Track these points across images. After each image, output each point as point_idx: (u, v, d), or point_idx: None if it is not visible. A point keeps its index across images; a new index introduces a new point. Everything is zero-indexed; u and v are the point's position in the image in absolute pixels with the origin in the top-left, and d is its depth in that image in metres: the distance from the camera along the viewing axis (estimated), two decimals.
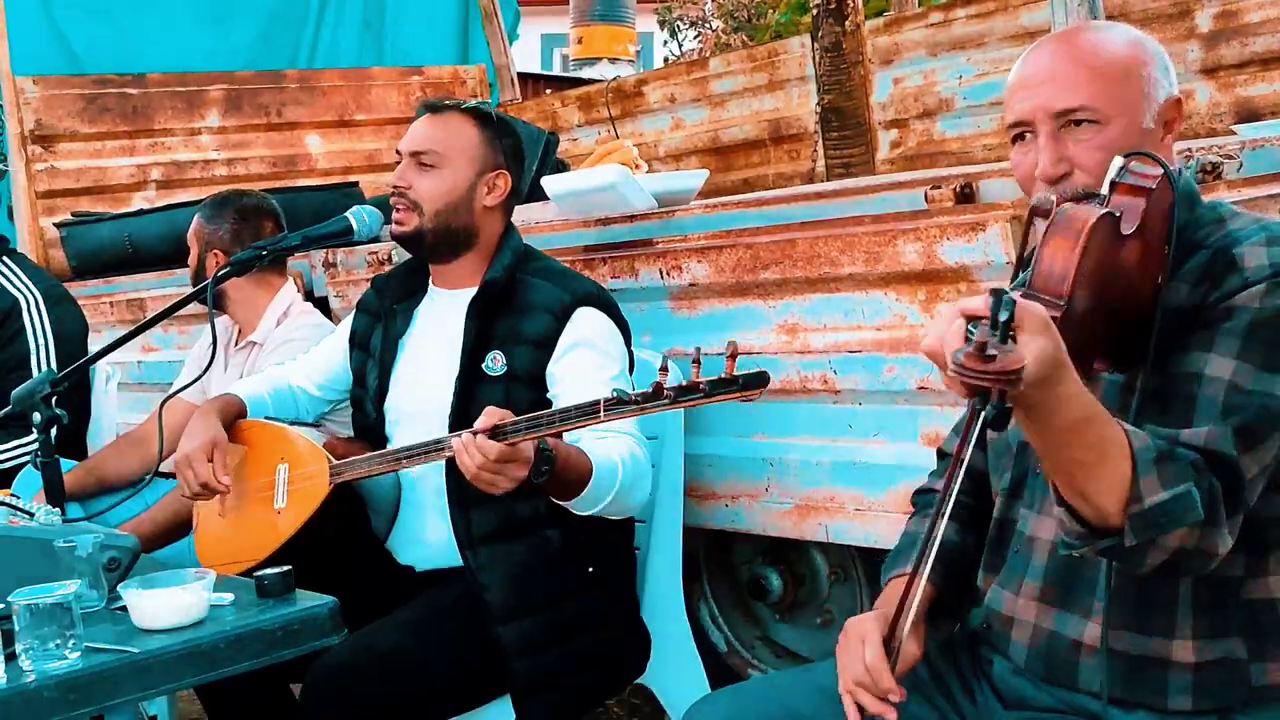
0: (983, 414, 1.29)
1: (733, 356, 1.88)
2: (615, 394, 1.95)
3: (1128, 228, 1.45)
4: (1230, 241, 1.56)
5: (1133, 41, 1.64)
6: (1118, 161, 1.51)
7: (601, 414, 1.98)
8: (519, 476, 2.02)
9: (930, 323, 1.35)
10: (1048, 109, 1.61)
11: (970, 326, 1.29)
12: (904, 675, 1.64)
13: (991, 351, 1.24)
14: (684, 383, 1.91)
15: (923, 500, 1.95)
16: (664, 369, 1.93)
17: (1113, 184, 1.49)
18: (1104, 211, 1.41)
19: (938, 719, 1.78)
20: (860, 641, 1.63)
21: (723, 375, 1.89)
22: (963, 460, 1.41)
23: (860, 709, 1.62)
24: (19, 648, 1.67)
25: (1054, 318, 1.34)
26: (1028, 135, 1.64)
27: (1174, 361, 1.53)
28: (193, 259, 3.22)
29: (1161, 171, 1.49)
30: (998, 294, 1.25)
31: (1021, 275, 1.50)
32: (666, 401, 1.91)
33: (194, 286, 3.01)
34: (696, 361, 1.89)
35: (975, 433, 1.35)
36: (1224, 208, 1.65)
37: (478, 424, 2.03)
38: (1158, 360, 1.54)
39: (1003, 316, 1.24)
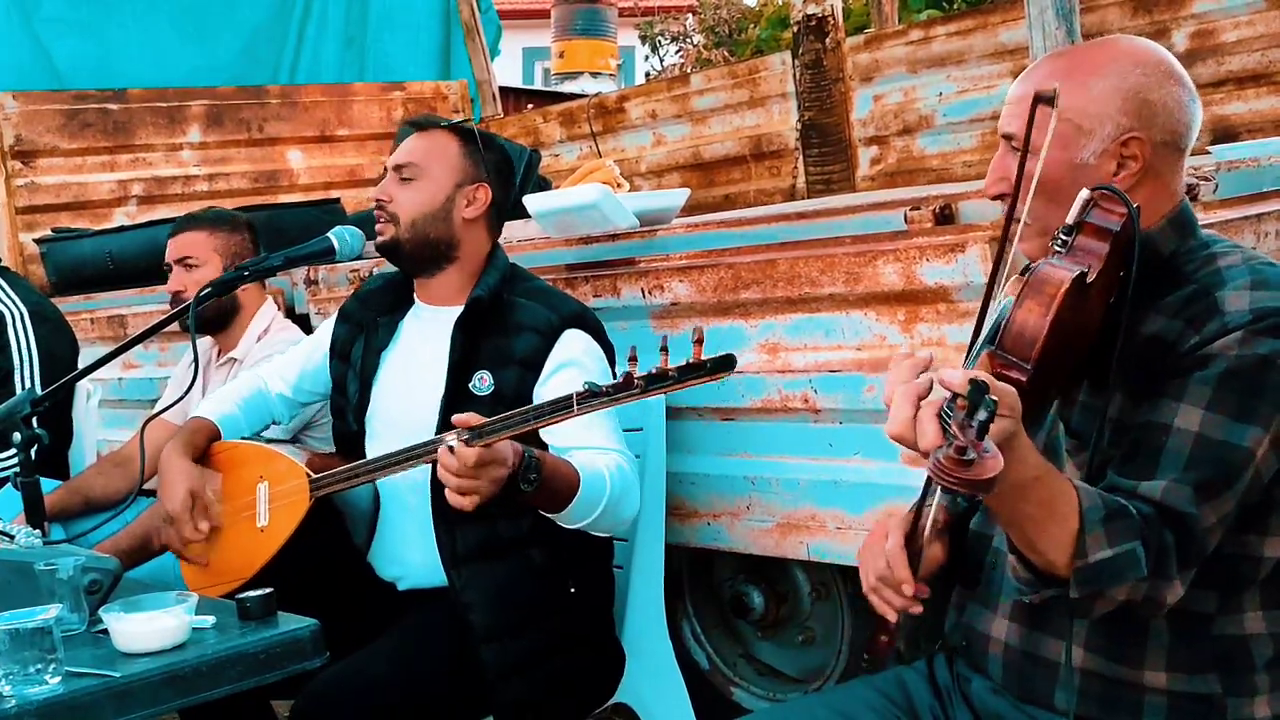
0: (955, 505, 1.30)
1: (699, 341, 1.89)
2: (587, 386, 1.95)
3: (1092, 275, 1.48)
4: (1216, 281, 1.57)
5: (1100, 74, 1.62)
6: (1084, 195, 1.53)
7: (575, 407, 1.96)
8: (499, 478, 2.00)
9: (896, 396, 1.36)
10: (999, 129, 1.70)
11: (946, 408, 1.30)
12: (928, 576, 1.64)
13: (970, 456, 1.26)
14: (654, 370, 1.90)
15: None
16: (633, 358, 1.92)
17: (1080, 223, 1.51)
18: (1075, 275, 1.44)
19: None
20: (883, 537, 1.63)
21: (690, 361, 1.89)
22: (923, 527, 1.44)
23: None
24: None
25: (1019, 381, 1.39)
26: None
27: (1145, 407, 1.55)
28: (211, 273, 3.12)
29: (1126, 211, 1.51)
30: (979, 388, 1.26)
31: (996, 309, 1.51)
32: (638, 390, 1.91)
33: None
34: (664, 349, 1.89)
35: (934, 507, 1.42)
36: (1218, 244, 1.65)
37: (453, 421, 2.01)
38: (1129, 390, 1.56)
39: (981, 417, 1.25)
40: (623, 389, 1.92)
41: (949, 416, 1.29)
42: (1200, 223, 1.70)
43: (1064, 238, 1.51)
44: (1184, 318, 1.54)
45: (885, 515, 2.38)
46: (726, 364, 1.90)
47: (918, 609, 1.60)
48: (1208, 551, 1.52)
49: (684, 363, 1.89)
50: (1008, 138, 1.67)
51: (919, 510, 1.59)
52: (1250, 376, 1.50)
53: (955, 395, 1.29)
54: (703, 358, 1.89)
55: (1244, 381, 1.50)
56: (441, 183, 2.47)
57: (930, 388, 1.34)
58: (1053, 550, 1.45)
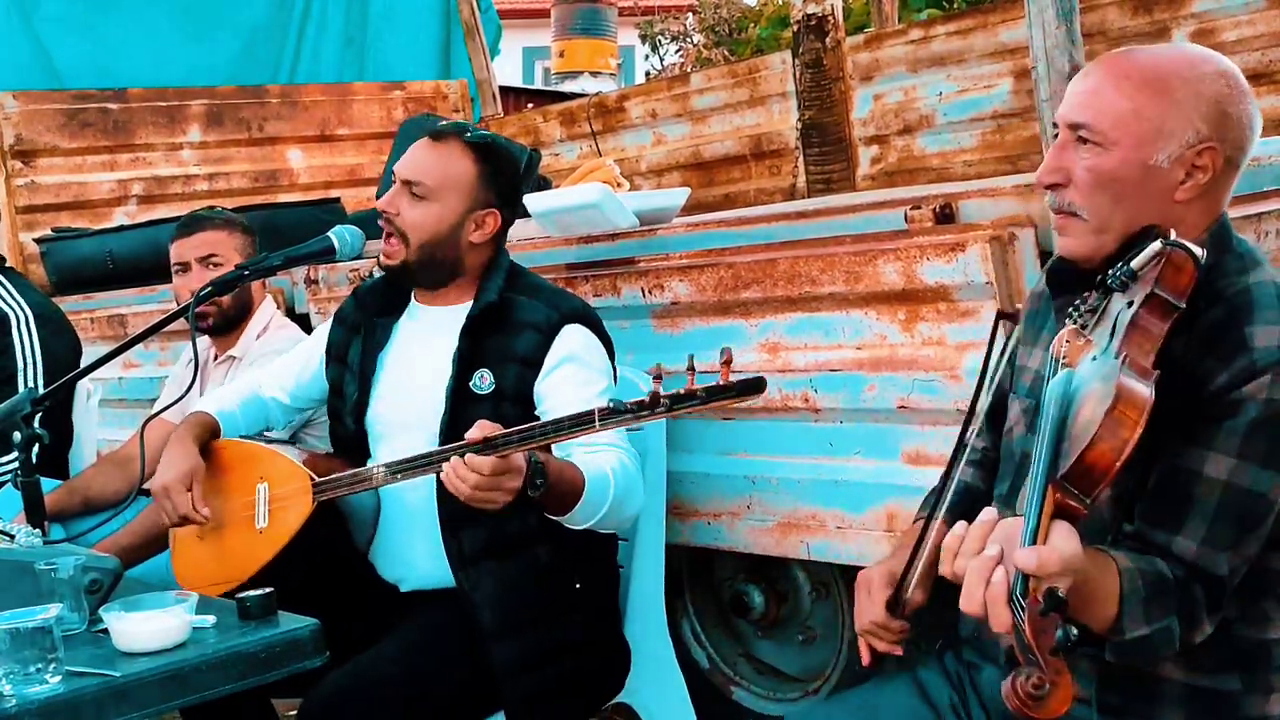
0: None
1: (727, 363, 1.88)
2: (610, 404, 1.95)
3: (1155, 371, 1.44)
4: (1244, 304, 1.55)
5: (1184, 77, 1.60)
6: (1155, 248, 1.50)
7: (596, 424, 1.97)
8: (514, 488, 2.01)
9: (968, 573, 1.41)
10: (1066, 118, 1.64)
11: (1019, 593, 1.34)
12: (909, 614, 1.78)
13: (1043, 691, 1.33)
14: (680, 391, 1.90)
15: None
16: (658, 376, 1.92)
17: (1150, 295, 1.47)
18: (1152, 402, 1.40)
19: None
20: (867, 593, 1.79)
21: (719, 383, 1.89)
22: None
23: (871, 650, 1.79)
24: None
25: (1078, 512, 1.40)
26: None
27: (1172, 452, 1.54)
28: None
29: (1190, 281, 1.48)
30: (1054, 601, 1.31)
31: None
32: (663, 409, 1.90)
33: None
34: (691, 369, 1.89)
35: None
36: (1251, 256, 1.63)
37: (469, 435, 2.03)
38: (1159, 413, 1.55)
39: (1059, 637, 1.31)
40: (647, 407, 1.91)
41: (1022, 608, 1.33)
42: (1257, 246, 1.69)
43: (1129, 297, 1.49)
44: (1215, 355, 1.53)
45: (885, 515, 2.41)
46: (756, 386, 1.89)
47: (899, 652, 1.77)
48: (1233, 588, 1.54)
49: (712, 384, 1.88)
50: (1074, 127, 1.62)
51: (914, 553, 1.68)
52: (1278, 422, 1.50)
53: (1025, 577, 1.34)
54: (731, 379, 1.89)
55: (1273, 428, 1.50)
56: (452, 206, 2.43)
57: (999, 559, 1.38)
58: (1092, 623, 1.47)
